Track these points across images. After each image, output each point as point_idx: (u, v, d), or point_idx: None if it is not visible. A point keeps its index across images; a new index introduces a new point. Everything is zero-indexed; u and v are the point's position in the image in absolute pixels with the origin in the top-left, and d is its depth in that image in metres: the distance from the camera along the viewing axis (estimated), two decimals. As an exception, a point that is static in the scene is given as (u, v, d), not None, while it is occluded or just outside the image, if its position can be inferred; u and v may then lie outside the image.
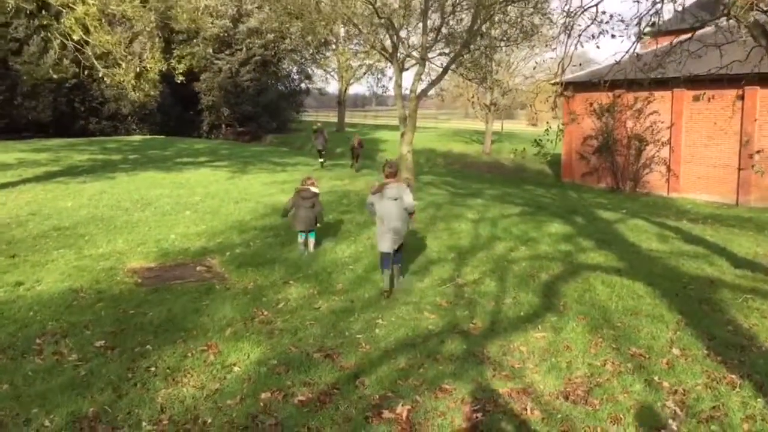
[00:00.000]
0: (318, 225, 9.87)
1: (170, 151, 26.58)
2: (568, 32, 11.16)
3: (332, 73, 48.70)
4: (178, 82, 16.44)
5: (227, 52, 40.44)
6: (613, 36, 11.70)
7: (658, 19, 11.64)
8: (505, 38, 16.11)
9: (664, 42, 30.25)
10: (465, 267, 8.99)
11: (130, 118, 35.93)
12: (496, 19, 15.82)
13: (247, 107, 41.12)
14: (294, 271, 8.66)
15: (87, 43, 13.09)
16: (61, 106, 32.44)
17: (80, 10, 12.26)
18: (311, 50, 42.91)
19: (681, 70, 11.42)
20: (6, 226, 10.88)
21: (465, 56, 17.59)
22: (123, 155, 23.71)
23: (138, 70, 13.43)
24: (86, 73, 13.81)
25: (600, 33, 12.42)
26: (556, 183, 31.32)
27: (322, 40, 41.66)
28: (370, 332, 6.39)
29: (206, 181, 16.86)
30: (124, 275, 8.26)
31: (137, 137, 33.10)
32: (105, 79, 13.61)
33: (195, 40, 38.37)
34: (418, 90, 17.62)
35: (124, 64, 13.31)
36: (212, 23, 38.20)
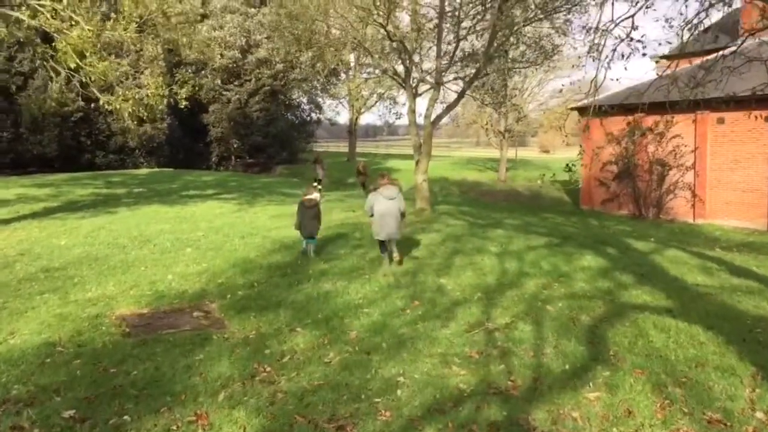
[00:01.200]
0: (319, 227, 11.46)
1: (177, 183, 25.84)
2: (598, 51, 10.30)
3: (343, 102, 48.18)
4: (182, 107, 15.65)
5: (236, 82, 40.00)
6: (644, 54, 10.76)
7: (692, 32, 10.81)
8: (523, 60, 15.24)
9: (683, 65, 29.26)
10: (494, 309, 7.99)
11: (137, 151, 35.31)
12: (512, 40, 15.00)
13: (257, 138, 40.53)
14: (302, 316, 7.70)
15: (81, 69, 12.34)
16: (66, 140, 31.87)
17: (74, 35, 11.53)
18: (321, 79, 42.45)
19: (723, 88, 10.52)
20: (-9, 268, 10.02)
21: (481, 79, 16.76)
22: (128, 189, 22.98)
23: (137, 96, 12.64)
24: (91, 105, 13.05)
25: (630, 53, 11.50)
26: (575, 211, 30.29)
27: (332, 69, 41.32)
28: (391, 394, 5.40)
29: (211, 215, 16.01)
30: (110, 324, 7.32)
31: (144, 170, 32.47)
32: (106, 106, 12.81)
33: (203, 72, 37.98)
34: (433, 116, 16.77)
35: (121, 91, 12.53)
36: (221, 54, 37.86)
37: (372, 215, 10.33)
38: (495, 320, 7.55)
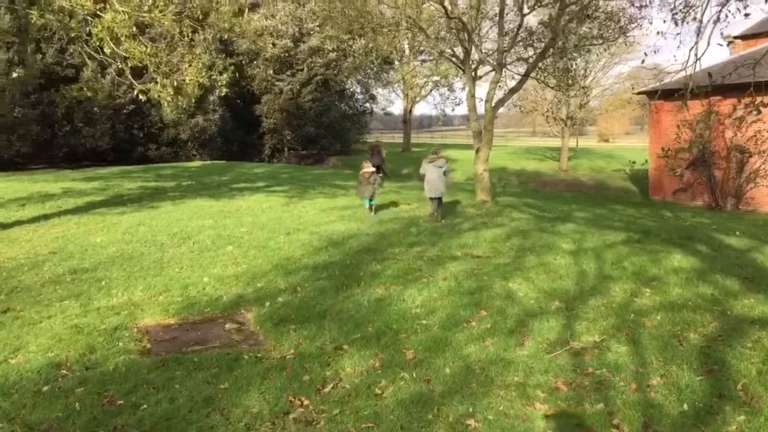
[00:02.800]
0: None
1: (228, 176, 25.14)
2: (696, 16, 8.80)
3: (397, 91, 46.94)
4: (223, 95, 14.62)
5: (288, 72, 39.26)
6: (746, 15, 9.16)
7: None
8: (596, 36, 13.66)
9: (756, 47, 26.91)
10: (577, 322, 6.70)
11: (189, 143, 34.95)
12: (586, 12, 13.47)
13: (309, 129, 39.74)
14: (350, 329, 6.58)
15: (118, 55, 11.49)
16: (119, 133, 31.70)
17: (108, 18, 10.66)
18: (374, 68, 41.36)
19: None
20: (17, 269, 9.24)
21: (549, 59, 15.29)
22: (177, 182, 22.36)
23: (175, 83, 11.72)
24: (140, 97, 12.15)
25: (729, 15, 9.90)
26: (644, 201, 28.37)
27: (385, 57, 40.10)
28: (459, 445, 4.22)
29: (258, 209, 15.07)
30: (130, 338, 6.36)
31: (197, 163, 31.99)
32: (141, 96, 11.94)
33: (255, 62, 37.35)
34: (494, 100, 15.40)
35: (159, 78, 11.63)
36: (273, 44, 37.17)
37: (424, 179, 13.59)
38: (580, 337, 6.27)
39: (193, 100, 12.98)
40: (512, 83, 17.10)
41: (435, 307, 7.33)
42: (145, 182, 22.01)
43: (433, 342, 6.22)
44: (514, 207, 16.07)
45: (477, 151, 15.85)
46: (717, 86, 22.73)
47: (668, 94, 28.27)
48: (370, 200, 14.28)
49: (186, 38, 11.92)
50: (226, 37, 35.54)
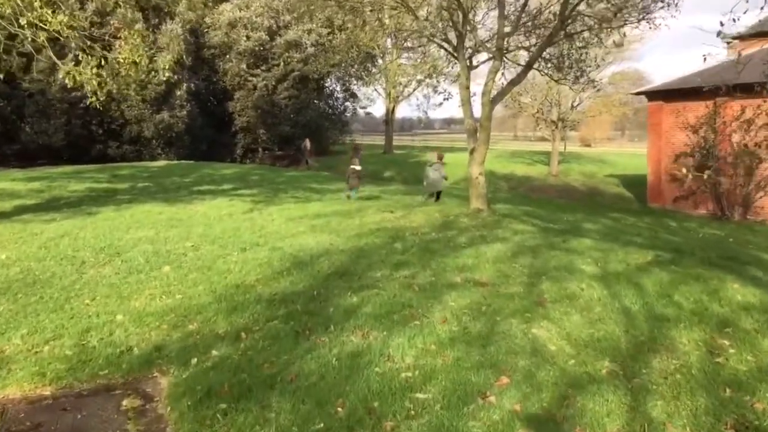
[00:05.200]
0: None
1: (192, 177, 22.74)
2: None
3: (378, 90, 44.65)
4: (165, 80, 12.20)
5: (263, 67, 36.77)
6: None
7: None
8: (618, 17, 11.46)
9: (754, 48, 25.02)
10: (649, 400, 4.52)
11: (154, 141, 32.29)
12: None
13: (285, 128, 37.25)
14: (310, 412, 4.36)
15: (36, 27, 9.13)
16: (75, 129, 29.00)
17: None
18: (355, 65, 39.12)
19: None
20: None
21: (558, 47, 13.17)
22: (132, 183, 19.94)
23: (102, 62, 9.38)
24: (66, 81, 9.74)
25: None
26: (643, 209, 26.47)
27: (367, 53, 37.85)
28: None
29: (215, 217, 12.76)
30: (-36, 429, 4.07)
31: (160, 163, 29.40)
32: (66, 80, 9.59)
33: (227, 55, 34.91)
34: (493, 92, 13.23)
35: (81, 56, 9.29)
36: (247, 36, 34.78)
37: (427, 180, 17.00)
38: (663, 431, 4.09)
39: (131, 86, 10.60)
40: (509, 76, 15.02)
41: (434, 369, 5.12)
42: (96, 183, 19.57)
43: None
44: (514, 217, 13.91)
45: (471, 152, 13.69)
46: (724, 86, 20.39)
47: (669, 94, 26.57)
48: (353, 190, 16.95)
49: (121, 7, 9.56)
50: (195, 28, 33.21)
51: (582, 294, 7.33)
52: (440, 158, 17.30)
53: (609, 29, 11.88)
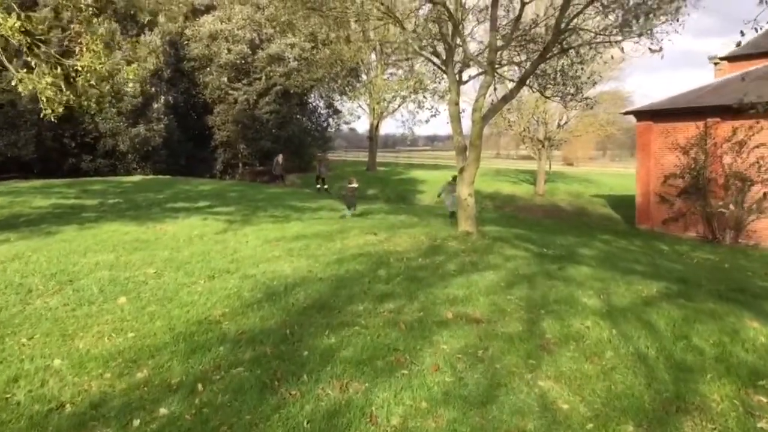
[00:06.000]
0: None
1: (166, 193, 21.76)
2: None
3: (362, 105, 43.88)
4: (130, 90, 11.08)
5: (244, 81, 35.89)
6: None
7: None
8: (622, 29, 10.74)
9: (746, 68, 24.60)
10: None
11: (130, 155, 31.13)
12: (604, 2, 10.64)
13: (266, 143, 36.26)
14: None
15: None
16: (46, 142, 27.84)
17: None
18: (339, 81, 38.40)
19: None
20: None
21: (549, 63, 12.47)
22: (102, 199, 18.92)
23: (59, 70, 8.48)
24: (20, 89, 8.80)
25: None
26: (631, 231, 25.84)
27: (351, 68, 37.18)
28: None
29: (185, 238, 11.83)
30: None
31: (135, 177, 28.30)
32: (20, 88, 8.67)
33: (208, 68, 34.01)
34: (485, 109, 12.48)
35: (34, 63, 8.37)
36: (228, 49, 33.95)
37: (443, 198, 18.77)
38: None
39: (93, 98, 9.66)
40: (498, 92, 14.32)
41: (427, 434, 4.26)
42: (63, 199, 18.52)
43: None
44: (505, 240, 13.11)
45: (460, 171, 12.90)
46: (716, 107, 19.90)
47: (658, 114, 26.08)
48: (349, 208, 17.20)
49: (84, 12, 8.66)
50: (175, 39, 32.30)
51: (588, 334, 6.53)
52: (455, 179, 18.31)
53: (608, 44, 11.18)
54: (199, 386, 5.00)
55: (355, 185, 17.99)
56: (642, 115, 26.56)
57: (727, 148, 22.82)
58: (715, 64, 30.83)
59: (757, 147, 21.98)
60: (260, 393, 4.90)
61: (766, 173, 21.87)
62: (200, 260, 9.68)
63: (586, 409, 4.71)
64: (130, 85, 10.15)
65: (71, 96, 8.82)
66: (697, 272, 11.63)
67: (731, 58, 29.45)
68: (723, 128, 23.01)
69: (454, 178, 18.49)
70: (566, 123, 34.20)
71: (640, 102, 35.53)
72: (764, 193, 21.71)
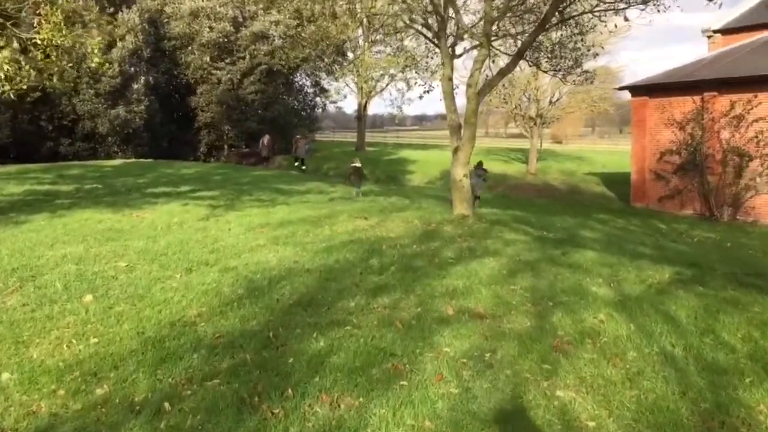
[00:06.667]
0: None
1: (147, 178, 20.92)
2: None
3: (350, 84, 42.90)
4: (96, 65, 10.12)
5: (227, 60, 34.82)
6: None
7: None
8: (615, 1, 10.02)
9: (741, 41, 23.93)
10: None
11: (110, 138, 30.13)
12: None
13: (252, 124, 35.30)
14: None
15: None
16: (23, 125, 26.81)
17: None
18: (326, 59, 37.40)
19: None
20: None
21: (546, 35, 11.74)
22: (79, 185, 18.06)
23: (16, 44, 7.66)
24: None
25: None
26: (627, 209, 25.31)
27: (338, 46, 36.14)
28: None
29: (163, 226, 11.07)
30: None
31: (116, 161, 27.36)
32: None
33: (189, 47, 32.93)
34: (479, 84, 11.75)
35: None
36: (210, 27, 32.89)
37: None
38: None
39: (56, 75, 8.81)
40: (493, 68, 13.61)
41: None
42: (37, 185, 17.66)
43: None
44: (503, 223, 12.45)
45: (455, 151, 12.20)
46: (713, 80, 19.20)
47: (654, 89, 25.42)
48: (358, 188, 17.63)
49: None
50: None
51: (604, 330, 5.90)
52: (480, 165, 20.26)
53: (614, 11, 10.46)
54: (167, 405, 4.31)
55: (358, 164, 18.61)
56: (637, 90, 25.90)
57: (725, 123, 22.26)
58: (709, 37, 30.20)
59: (756, 121, 21.42)
60: (237, 412, 4.22)
61: (765, 148, 21.33)
62: (178, 251, 8.95)
63: (615, 425, 4.07)
64: (95, 60, 9.14)
65: (32, 72, 7.99)
66: (706, 254, 11.05)
67: (724, 31, 28.82)
68: (720, 102, 22.43)
69: (479, 164, 20.23)
70: (558, 100, 33.49)
71: (629, 79, 34.96)
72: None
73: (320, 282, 7.40)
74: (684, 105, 23.74)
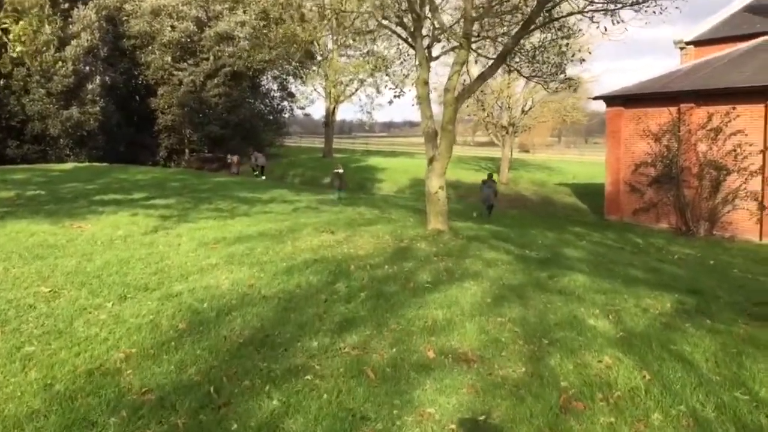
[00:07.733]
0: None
1: (98, 183, 19.55)
2: None
3: (318, 89, 41.76)
4: (15, 54, 8.82)
5: (190, 61, 33.43)
6: None
7: None
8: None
9: (714, 53, 23.49)
10: None
11: (62, 141, 28.50)
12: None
13: (214, 128, 33.91)
14: None
15: None
16: (-35, 125, 25.19)
17: None
18: (293, 63, 36.26)
19: None
20: None
21: (530, 38, 10.85)
22: (20, 191, 16.65)
23: None
24: None
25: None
26: (600, 221, 24.69)
27: (306, 50, 35.03)
28: None
29: (103, 240, 9.85)
30: None
31: (67, 165, 25.74)
32: None
33: (150, 47, 31.48)
34: (458, 88, 10.79)
35: None
36: (172, 26, 31.51)
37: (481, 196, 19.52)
38: None
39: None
40: (473, 71, 12.70)
41: None
42: (-26, 190, 16.20)
43: None
44: (481, 240, 11.50)
45: (430, 161, 11.21)
46: (690, 92, 18.47)
47: (630, 99, 24.87)
48: (339, 190, 18.82)
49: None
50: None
51: (614, 380, 4.96)
52: (490, 176, 22.33)
53: (605, 12, 9.61)
54: (60, 504, 3.19)
55: (340, 170, 20.44)
56: (613, 100, 25.33)
57: (702, 135, 21.76)
58: (681, 48, 29.91)
59: (734, 134, 20.94)
60: None
61: (743, 162, 20.85)
62: (114, 272, 7.77)
63: None
64: (17, 48, 7.89)
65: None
66: (702, 277, 10.24)
67: (697, 43, 28.53)
68: (698, 114, 21.94)
69: (489, 176, 22.44)
70: (531, 108, 32.86)
71: (598, 90, 34.52)
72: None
73: (278, 313, 6.33)
74: (660, 116, 23.22)
